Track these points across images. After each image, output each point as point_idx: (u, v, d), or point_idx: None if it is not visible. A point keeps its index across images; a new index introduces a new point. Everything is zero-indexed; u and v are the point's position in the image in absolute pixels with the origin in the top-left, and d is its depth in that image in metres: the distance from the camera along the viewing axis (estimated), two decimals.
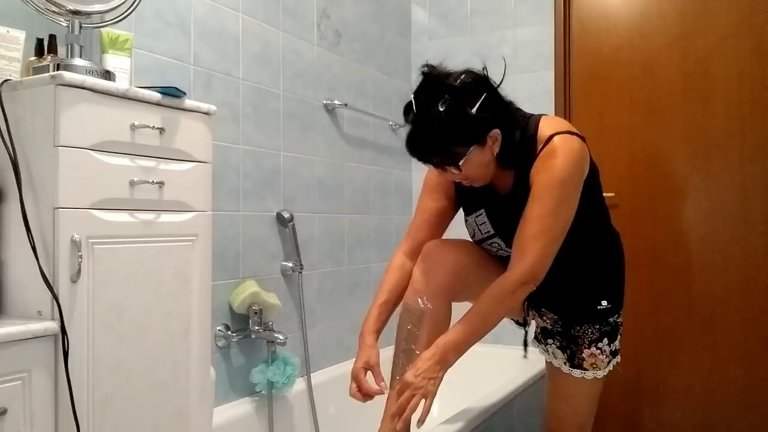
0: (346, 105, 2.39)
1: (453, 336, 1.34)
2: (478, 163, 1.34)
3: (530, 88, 2.66)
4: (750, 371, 2.28)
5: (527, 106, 2.62)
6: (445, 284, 1.45)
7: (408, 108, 1.33)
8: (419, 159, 1.34)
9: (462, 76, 1.31)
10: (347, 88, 2.47)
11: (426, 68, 1.33)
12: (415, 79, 1.36)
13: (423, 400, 1.32)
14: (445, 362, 1.33)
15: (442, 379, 1.33)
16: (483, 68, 1.35)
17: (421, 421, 1.31)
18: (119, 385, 1.20)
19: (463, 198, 1.56)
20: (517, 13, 2.71)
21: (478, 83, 1.32)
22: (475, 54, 2.74)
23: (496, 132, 1.33)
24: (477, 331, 1.35)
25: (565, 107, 2.58)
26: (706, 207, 2.35)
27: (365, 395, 1.41)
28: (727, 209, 2.32)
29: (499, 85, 1.36)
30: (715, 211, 2.34)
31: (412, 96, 1.32)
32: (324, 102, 2.33)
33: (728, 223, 2.32)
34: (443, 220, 1.58)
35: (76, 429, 1.10)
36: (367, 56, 2.60)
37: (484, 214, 1.51)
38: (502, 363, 1.77)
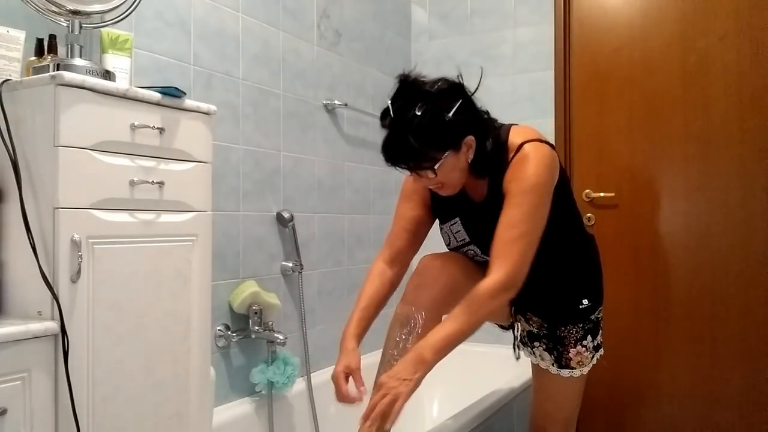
0: (346, 105, 2.39)
1: (431, 338, 1.33)
2: (452, 168, 1.36)
3: (530, 88, 2.66)
4: (749, 371, 2.27)
5: (527, 106, 2.66)
6: (438, 299, 1.46)
7: (385, 113, 1.35)
8: (394, 163, 1.35)
9: (438, 83, 1.34)
10: (347, 88, 2.47)
11: (402, 75, 1.35)
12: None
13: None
14: (421, 363, 1.29)
15: (418, 381, 1.29)
16: (458, 76, 1.37)
17: (388, 423, 1.28)
18: (119, 385, 1.20)
19: (438, 207, 1.58)
20: (517, 13, 2.71)
21: (454, 90, 1.34)
22: (475, 54, 2.74)
23: (470, 139, 1.36)
24: (457, 333, 1.33)
25: (565, 107, 2.58)
26: (706, 207, 2.35)
27: (344, 400, 1.40)
28: (727, 209, 2.32)
29: (473, 93, 1.38)
30: (715, 211, 2.34)
31: (389, 101, 1.34)
32: (324, 102, 2.33)
33: (728, 223, 2.32)
34: (421, 228, 1.60)
35: (76, 429, 1.10)
36: (367, 56, 2.60)
37: (459, 222, 1.53)
38: (502, 363, 1.78)
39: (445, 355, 1.32)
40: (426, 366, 1.30)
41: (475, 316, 1.34)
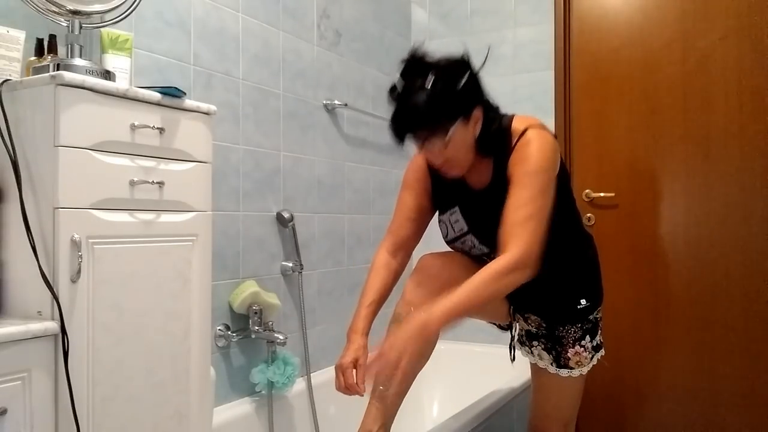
0: (346, 105, 2.39)
1: (433, 308, 1.28)
2: (461, 141, 1.36)
3: (530, 88, 2.66)
4: (749, 371, 2.27)
5: (527, 106, 2.65)
6: (438, 297, 1.44)
7: (393, 88, 1.36)
8: (404, 134, 1.34)
9: (446, 57, 1.37)
10: (347, 88, 2.47)
11: (412, 50, 1.38)
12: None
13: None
14: (419, 329, 1.25)
15: (411, 350, 1.24)
16: (465, 53, 1.39)
17: (386, 376, 1.28)
18: (119, 385, 1.20)
19: (438, 196, 1.58)
20: (517, 13, 2.71)
21: (462, 64, 1.37)
22: (475, 54, 2.73)
23: (479, 111, 1.38)
24: (460, 307, 1.28)
25: (565, 107, 2.58)
26: (706, 207, 2.35)
27: (349, 389, 1.39)
28: (728, 208, 2.32)
29: (480, 69, 1.39)
30: (715, 211, 2.34)
31: (399, 76, 1.36)
32: (324, 102, 2.33)
33: (728, 222, 2.32)
34: (423, 217, 1.60)
35: (76, 429, 1.10)
36: (367, 56, 2.60)
37: (459, 211, 1.53)
38: (502, 363, 1.78)
39: (445, 325, 1.27)
40: (425, 333, 1.25)
41: (482, 294, 1.29)
